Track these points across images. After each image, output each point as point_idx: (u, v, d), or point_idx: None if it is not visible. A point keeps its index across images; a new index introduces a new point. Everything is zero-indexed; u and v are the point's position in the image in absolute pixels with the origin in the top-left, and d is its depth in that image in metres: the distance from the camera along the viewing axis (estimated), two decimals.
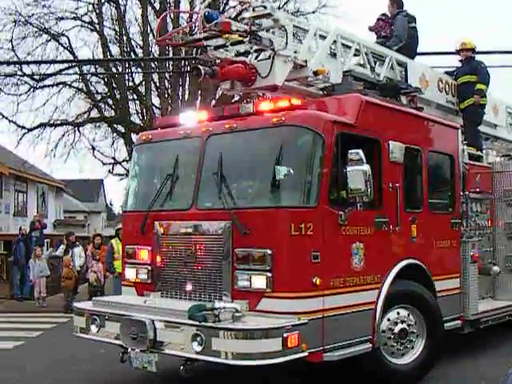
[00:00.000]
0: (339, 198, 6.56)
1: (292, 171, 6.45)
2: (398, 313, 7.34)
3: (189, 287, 6.84)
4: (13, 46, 19.77)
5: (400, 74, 9.26)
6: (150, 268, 7.25)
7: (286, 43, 7.44)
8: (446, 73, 10.63)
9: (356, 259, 6.75)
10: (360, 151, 6.41)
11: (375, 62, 9.03)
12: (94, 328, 6.88)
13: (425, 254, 7.83)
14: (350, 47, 8.44)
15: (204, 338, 5.83)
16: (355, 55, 8.65)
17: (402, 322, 7.37)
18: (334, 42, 8.17)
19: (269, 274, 6.20)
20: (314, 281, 6.21)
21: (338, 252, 6.57)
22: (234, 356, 5.72)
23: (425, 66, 9.80)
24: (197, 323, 5.85)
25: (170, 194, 7.23)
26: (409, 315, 7.45)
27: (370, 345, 6.81)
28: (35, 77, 20.65)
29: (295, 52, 7.68)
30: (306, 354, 6.02)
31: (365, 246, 6.86)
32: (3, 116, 20.11)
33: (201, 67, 7.04)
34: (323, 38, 8.12)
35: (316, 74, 7.71)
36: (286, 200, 6.32)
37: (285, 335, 5.79)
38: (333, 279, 6.46)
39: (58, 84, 20.90)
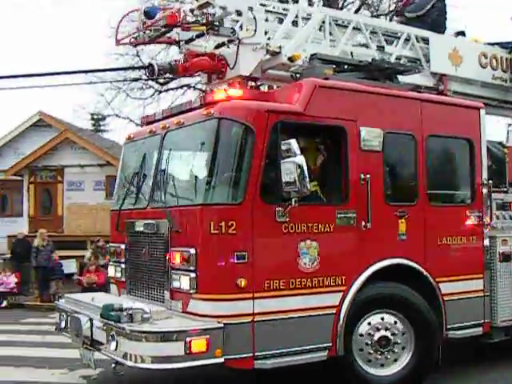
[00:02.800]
0: (278, 194, 6.02)
1: (219, 166, 6.03)
2: (375, 319, 6.58)
3: (145, 286, 6.79)
4: (137, 52, 20.88)
5: (422, 52, 8.33)
6: (123, 266, 7.31)
7: (255, 30, 7.07)
8: (501, 45, 9.31)
9: (306, 259, 6.17)
10: (292, 141, 5.85)
11: (390, 41, 8.25)
12: (63, 324, 7.10)
13: (421, 253, 6.94)
14: (346, 27, 7.77)
15: (116, 338, 5.75)
16: None
17: (382, 329, 6.61)
18: (323, 22, 7.57)
19: (192, 275, 5.92)
20: (239, 283, 5.78)
21: (278, 252, 6.05)
22: (139, 358, 5.55)
23: (458, 40, 8.68)
24: (111, 323, 5.80)
25: (138, 193, 7.22)
26: (395, 322, 6.67)
27: (325, 353, 6.20)
28: (160, 80, 21.64)
29: (269, 39, 7.24)
30: (221, 360, 5.65)
31: (320, 245, 6.24)
32: (130, 120, 21.34)
33: (154, 64, 6.91)
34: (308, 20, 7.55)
35: (291, 60, 7.20)
36: (210, 197, 5.95)
37: (187, 339, 5.48)
38: (269, 281, 5.96)
39: (182, 86, 21.67)
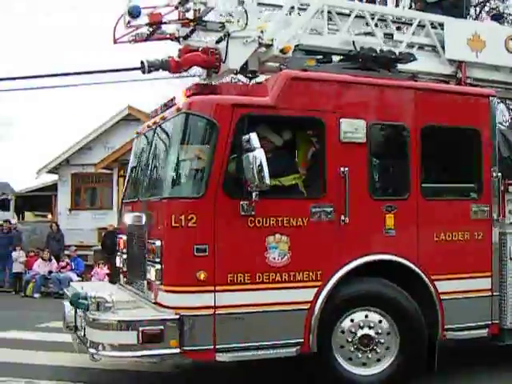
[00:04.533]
0: (242, 188, 5.97)
1: (185, 161, 6.15)
2: (358, 317, 6.39)
3: (135, 276, 7.03)
4: None
5: (438, 38, 7.90)
6: (124, 257, 7.60)
7: (246, 23, 7.06)
8: None
9: (275, 254, 6.10)
10: (252, 135, 5.80)
11: (400, 28, 7.92)
12: None
13: (413, 249, 6.63)
14: (348, 15, 7.53)
15: (84, 325, 6.03)
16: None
17: (366, 327, 6.39)
18: (322, 12, 7.39)
19: (158, 267, 6.07)
20: (198, 275, 5.83)
21: (243, 245, 6.02)
22: (101, 346, 5.78)
23: (480, 25, 8.14)
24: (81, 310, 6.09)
25: (134, 186, 7.49)
26: (379, 321, 6.44)
27: (295, 349, 6.10)
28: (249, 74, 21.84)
29: (262, 32, 7.18)
30: (176, 350, 5.75)
31: (292, 240, 6.15)
32: None
33: (145, 60, 7.08)
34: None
35: (283, 52, 7.10)
36: (175, 191, 6.09)
37: (141, 329, 5.64)
38: (233, 274, 5.96)
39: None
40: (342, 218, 6.32)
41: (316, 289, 6.23)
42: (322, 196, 6.33)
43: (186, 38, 7.41)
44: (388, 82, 6.72)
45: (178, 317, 5.77)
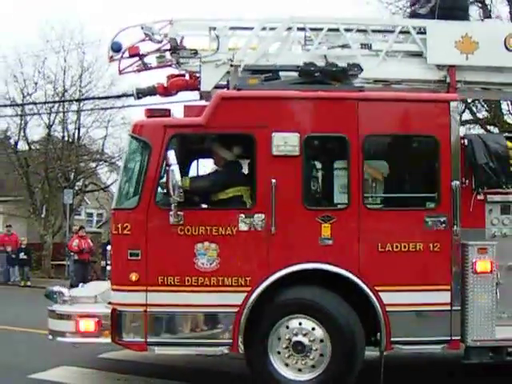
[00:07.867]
0: (170, 200, 6.66)
1: (126, 177, 7.12)
2: (293, 324, 6.65)
3: None
4: None
5: (423, 43, 7.69)
6: None
7: (217, 48, 7.73)
8: None
9: (203, 260, 6.68)
10: (168, 153, 6.47)
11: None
12: None
13: (353, 259, 6.69)
14: (320, 29, 7.72)
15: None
16: None
17: (300, 334, 6.62)
18: (292, 29, 7.70)
19: (108, 268, 7.06)
20: (130, 276, 6.66)
21: (172, 251, 6.70)
22: (53, 333, 6.97)
23: (472, 25, 7.67)
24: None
25: None
26: (313, 328, 6.64)
27: (221, 348, 6.65)
28: None
29: (233, 54, 7.74)
30: (108, 340, 6.68)
31: (220, 247, 6.69)
32: None
33: (134, 88, 8.09)
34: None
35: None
36: (118, 203, 7.02)
37: (77, 320, 6.67)
38: (163, 277, 6.67)
39: None
40: (272, 227, 6.67)
41: (245, 294, 6.67)
42: (252, 207, 6.75)
43: (179, 64, 8.30)
44: (324, 95, 6.85)
45: (109, 311, 6.70)
